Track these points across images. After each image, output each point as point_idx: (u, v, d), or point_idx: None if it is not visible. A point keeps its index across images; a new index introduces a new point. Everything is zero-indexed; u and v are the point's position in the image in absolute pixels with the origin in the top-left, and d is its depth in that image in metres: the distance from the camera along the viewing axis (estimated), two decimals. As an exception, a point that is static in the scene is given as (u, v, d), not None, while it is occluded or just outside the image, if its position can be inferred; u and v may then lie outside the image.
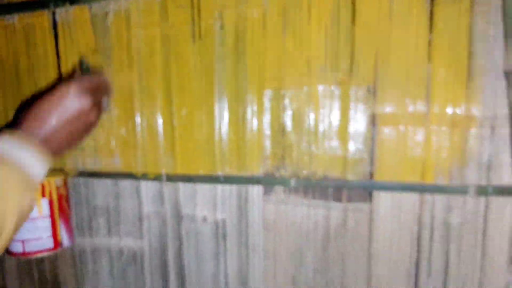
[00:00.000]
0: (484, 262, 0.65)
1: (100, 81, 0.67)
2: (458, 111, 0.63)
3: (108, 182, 0.86)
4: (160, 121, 0.79)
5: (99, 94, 0.65)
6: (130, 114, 0.81)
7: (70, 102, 0.55)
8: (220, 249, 0.80)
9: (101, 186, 0.87)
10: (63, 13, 0.83)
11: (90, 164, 0.86)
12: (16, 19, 0.87)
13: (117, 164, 0.84)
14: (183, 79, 0.77)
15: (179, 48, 0.76)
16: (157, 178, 0.81)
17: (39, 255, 0.79)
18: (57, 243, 0.81)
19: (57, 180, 0.80)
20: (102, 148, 0.84)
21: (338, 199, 0.71)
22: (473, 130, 0.62)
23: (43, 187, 0.78)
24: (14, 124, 0.56)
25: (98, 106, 0.63)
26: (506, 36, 0.57)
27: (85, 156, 0.86)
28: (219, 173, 0.76)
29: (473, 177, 0.63)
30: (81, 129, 0.59)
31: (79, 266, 0.92)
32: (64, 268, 0.93)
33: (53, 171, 0.85)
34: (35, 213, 0.77)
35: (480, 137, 0.62)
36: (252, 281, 0.79)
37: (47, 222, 0.78)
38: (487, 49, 0.60)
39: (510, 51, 0.57)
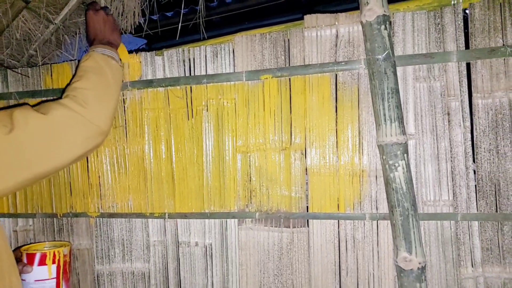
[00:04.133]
0: (379, 262, 1.14)
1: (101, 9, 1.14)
2: (356, 166, 1.14)
3: (123, 220, 1.31)
4: (163, 174, 1.26)
5: (104, 12, 1.12)
6: (141, 170, 1.28)
7: (97, 17, 1.08)
8: (208, 265, 1.26)
9: (117, 224, 1.32)
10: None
11: (109, 208, 1.31)
12: (52, 100, 1.34)
13: (130, 206, 1.29)
14: (181, 144, 1.25)
15: (177, 124, 1.25)
16: (161, 216, 1.27)
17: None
18: None
19: (65, 250, 1.16)
20: (119, 195, 1.30)
21: (287, 225, 1.20)
22: (365, 178, 1.13)
23: (54, 255, 1.12)
24: (91, 45, 1.07)
25: (109, 16, 1.11)
26: (376, 123, 1.09)
27: (105, 202, 1.31)
28: (207, 210, 1.24)
29: (368, 208, 1.14)
30: (113, 23, 1.13)
31: (97, 287, 1.34)
32: (86, 289, 1.35)
33: (61, 243, 1.23)
34: (45, 275, 1.10)
35: (370, 182, 1.13)
36: (230, 287, 1.24)
37: (53, 283, 1.12)
38: (368, 130, 1.12)
39: (379, 133, 1.09)
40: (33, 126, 0.73)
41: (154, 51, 1.26)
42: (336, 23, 1.14)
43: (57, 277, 1.13)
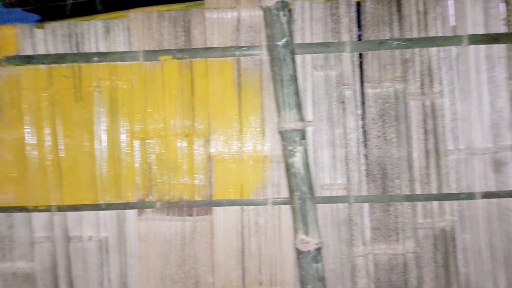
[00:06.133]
0: (281, 246, 1.15)
1: None
2: (259, 152, 1.12)
3: (2, 215, 1.13)
4: (48, 162, 1.11)
5: None
6: (21, 158, 1.10)
7: None
8: (104, 261, 1.15)
9: (-7, 220, 1.13)
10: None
11: (-18, 202, 1.11)
12: None
13: (10, 199, 1.12)
14: (68, 130, 1.11)
15: (63, 107, 1.10)
16: (47, 209, 1.12)
17: None
18: None
19: None
20: (-6, 187, 1.11)
21: (190, 214, 1.15)
22: (268, 164, 1.13)
23: None
24: None
25: None
26: (276, 109, 1.08)
27: (-23, 195, 1.11)
28: (101, 201, 1.12)
29: (270, 193, 1.13)
30: None
31: (-31, 293, 1.15)
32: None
33: None
34: None
35: (272, 168, 1.13)
36: (130, 282, 1.15)
37: None
38: (271, 117, 1.11)
39: (279, 119, 1.08)
40: None
41: (33, 23, 1.08)
42: (237, 6, 1.10)
43: None
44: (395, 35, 1.11)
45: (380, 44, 1.10)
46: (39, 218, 1.14)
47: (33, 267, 1.15)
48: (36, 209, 1.12)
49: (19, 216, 1.14)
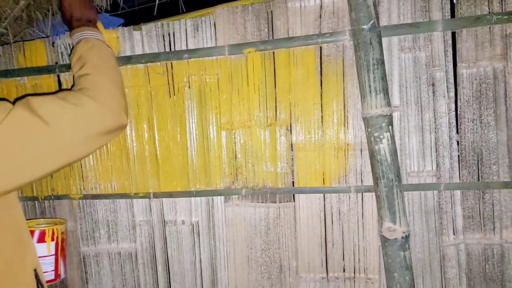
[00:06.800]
0: (364, 233, 1.13)
1: None
2: (341, 140, 1.11)
3: (107, 201, 1.26)
4: (146, 153, 1.21)
5: None
6: (123, 149, 1.22)
7: None
8: (195, 243, 1.23)
9: (101, 205, 1.27)
10: (66, 76, 1.23)
11: (92, 190, 1.25)
12: (26, 80, 1.25)
13: (114, 187, 1.24)
14: (163, 123, 1.20)
15: (158, 101, 1.19)
16: (146, 196, 1.22)
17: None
18: (57, 275, 1.16)
19: (62, 227, 1.17)
20: (102, 176, 1.24)
21: (273, 201, 1.17)
22: (350, 152, 1.11)
23: (52, 232, 1.12)
24: (69, 23, 0.97)
25: None
26: (361, 95, 1.06)
27: (87, 183, 1.26)
28: (192, 189, 1.20)
29: (353, 181, 1.12)
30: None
31: (84, 268, 1.30)
32: (71, 272, 1.31)
33: (55, 220, 1.24)
34: (44, 252, 1.10)
35: (354, 156, 1.11)
36: (219, 263, 1.22)
37: (52, 260, 1.13)
38: (353, 103, 1.09)
39: (364, 105, 1.05)
40: (69, 119, 0.71)
41: (131, 26, 1.18)
42: (320, -7, 1.09)
43: (56, 254, 1.13)
44: (494, 8, 1.01)
45: (477, 20, 1.01)
46: (139, 204, 1.26)
47: (135, 247, 1.28)
48: (136, 195, 1.23)
49: (122, 202, 1.27)
